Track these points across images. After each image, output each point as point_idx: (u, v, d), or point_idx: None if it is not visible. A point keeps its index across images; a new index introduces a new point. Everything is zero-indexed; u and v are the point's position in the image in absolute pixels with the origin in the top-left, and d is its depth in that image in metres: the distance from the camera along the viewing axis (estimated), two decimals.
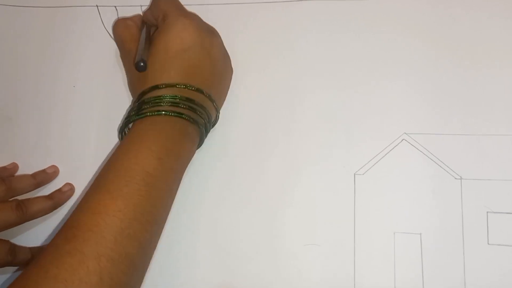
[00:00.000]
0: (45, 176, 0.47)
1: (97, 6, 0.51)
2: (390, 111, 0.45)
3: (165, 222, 0.40)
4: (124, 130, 0.42)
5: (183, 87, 0.40)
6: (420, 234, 0.43)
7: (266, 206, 0.44)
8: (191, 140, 0.41)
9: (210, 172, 0.46)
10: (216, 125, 0.46)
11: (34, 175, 0.47)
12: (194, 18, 0.42)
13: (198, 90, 0.41)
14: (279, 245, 0.43)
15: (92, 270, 0.33)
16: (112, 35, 0.50)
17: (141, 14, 0.49)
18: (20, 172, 0.48)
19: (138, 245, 0.35)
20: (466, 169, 0.43)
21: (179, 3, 0.45)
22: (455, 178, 0.43)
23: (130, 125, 0.41)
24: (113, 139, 0.48)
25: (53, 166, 0.48)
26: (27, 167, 0.48)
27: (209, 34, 0.43)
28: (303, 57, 0.47)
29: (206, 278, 0.43)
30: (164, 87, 0.40)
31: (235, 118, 0.47)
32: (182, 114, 0.40)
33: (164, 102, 0.39)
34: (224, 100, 0.46)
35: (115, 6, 0.51)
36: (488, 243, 0.42)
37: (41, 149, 0.48)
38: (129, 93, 0.48)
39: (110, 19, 0.51)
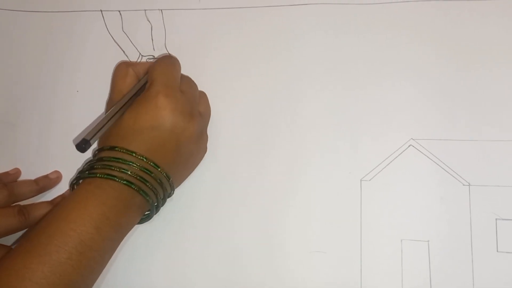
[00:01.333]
0: (48, 181, 0.47)
1: (101, 10, 0.51)
2: (396, 117, 0.45)
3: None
4: (74, 184, 0.41)
5: (140, 158, 0.39)
6: (428, 241, 0.42)
7: (271, 213, 0.44)
8: (136, 211, 0.40)
9: (213, 179, 0.45)
10: (220, 131, 0.46)
11: (36, 181, 0.46)
12: (175, 99, 0.40)
13: (155, 165, 0.39)
14: (284, 252, 0.43)
15: None
16: (116, 40, 0.50)
17: (149, 62, 0.47)
18: (22, 177, 0.48)
19: None
20: (474, 175, 0.43)
21: (173, 75, 0.43)
22: (463, 185, 0.43)
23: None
24: None
25: (56, 172, 0.47)
26: (29, 173, 0.47)
27: (185, 119, 0.41)
28: (308, 61, 0.47)
29: (209, 286, 0.43)
30: (123, 152, 0.39)
31: (238, 124, 0.47)
32: (132, 184, 0.38)
33: (116, 167, 0.38)
34: (183, 180, 0.45)
35: (119, 11, 0.51)
36: (497, 251, 0.41)
37: (43, 154, 0.48)
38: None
39: (114, 23, 0.50)
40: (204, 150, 0.45)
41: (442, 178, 0.43)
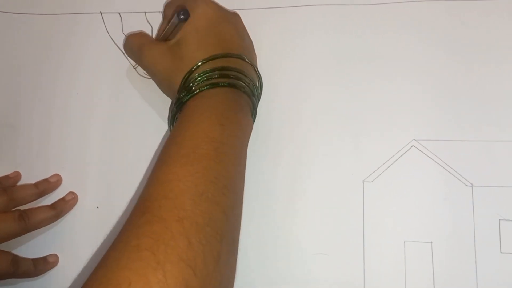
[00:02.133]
0: (48, 185, 0.46)
1: (101, 13, 0.51)
2: (399, 117, 0.45)
3: (243, 194, 0.37)
4: (175, 117, 0.41)
5: (224, 57, 0.40)
6: (431, 242, 0.42)
7: (273, 215, 0.44)
8: (246, 111, 0.40)
9: None
10: None
11: (36, 184, 0.46)
12: (210, 2, 0.43)
13: (239, 57, 0.41)
14: (287, 254, 0.43)
15: (177, 233, 0.29)
16: (116, 42, 0.50)
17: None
18: (22, 181, 0.48)
19: (220, 210, 0.32)
20: (477, 176, 0.43)
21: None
22: (466, 185, 0.42)
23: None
24: (117, 147, 0.47)
25: (56, 175, 0.47)
26: (29, 176, 0.47)
27: (231, 12, 0.45)
28: (310, 62, 0.47)
29: None
30: (206, 62, 0.40)
31: None
32: (234, 84, 0.39)
33: (210, 77, 0.39)
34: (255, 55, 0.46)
35: (119, 13, 0.50)
36: (500, 252, 0.41)
37: (43, 157, 0.48)
38: (133, 101, 0.48)
39: (114, 26, 0.50)
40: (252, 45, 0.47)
41: (445, 179, 0.43)
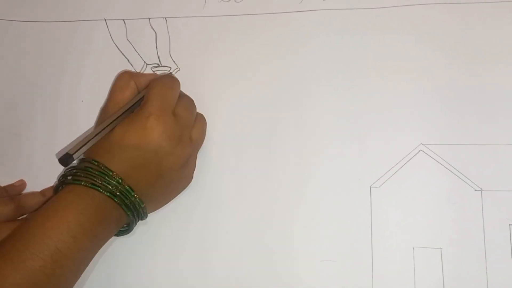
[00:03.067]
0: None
1: (105, 19, 0.51)
2: (405, 122, 0.44)
3: None
4: (58, 187, 0.40)
5: (117, 179, 0.39)
6: (441, 248, 0.41)
7: (279, 222, 0.43)
8: (114, 223, 0.40)
9: (219, 184, 0.45)
10: (225, 137, 0.46)
11: (43, 192, 0.46)
12: (165, 123, 0.40)
13: (130, 189, 0.39)
14: (294, 261, 0.42)
15: None
16: (120, 49, 0.50)
17: (154, 75, 0.47)
18: (28, 189, 0.47)
19: None
20: (486, 180, 0.42)
21: (169, 97, 0.42)
22: (475, 190, 0.42)
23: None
24: None
25: None
26: (34, 184, 0.47)
27: (173, 143, 0.40)
28: (315, 66, 0.47)
29: None
30: (102, 168, 0.39)
31: (243, 130, 0.46)
32: (115, 196, 0.38)
33: (99, 179, 0.38)
34: (160, 207, 0.44)
35: (123, 20, 0.50)
36: (511, 257, 0.40)
37: (49, 165, 0.48)
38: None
39: (118, 32, 0.50)
40: (188, 178, 0.44)
41: (454, 184, 0.42)
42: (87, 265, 0.39)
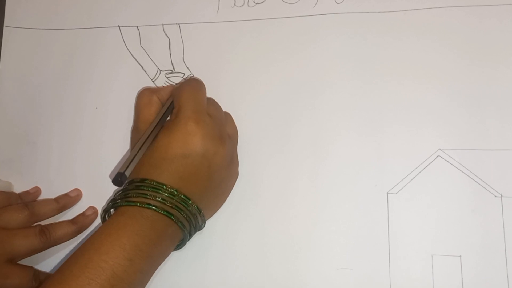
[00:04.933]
0: (68, 200, 0.46)
1: (119, 26, 0.51)
2: (423, 126, 0.43)
3: None
4: (107, 212, 0.40)
5: (171, 191, 0.38)
6: (460, 256, 0.40)
7: (295, 229, 0.43)
8: (170, 241, 0.39)
9: (236, 193, 0.45)
10: (241, 144, 0.45)
11: (57, 199, 0.46)
12: (204, 125, 0.40)
13: (186, 198, 0.39)
14: (310, 269, 0.42)
15: None
16: (134, 55, 0.50)
17: (173, 86, 0.47)
18: (42, 196, 0.48)
19: None
20: (507, 186, 0.41)
21: (200, 100, 0.42)
22: (495, 196, 0.41)
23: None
24: None
25: (76, 190, 0.47)
26: (49, 191, 0.47)
27: (216, 143, 0.40)
28: (330, 71, 0.46)
29: None
30: (153, 184, 0.38)
31: (260, 137, 0.46)
32: (171, 214, 0.38)
33: (152, 196, 0.37)
34: (217, 210, 0.44)
35: (137, 26, 0.50)
36: None
37: (64, 172, 0.48)
38: None
39: (132, 39, 0.50)
40: (235, 175, 0.44)
41: (473, 190, 0.41)
42: (144, 287, 0.38)
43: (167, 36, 0.50)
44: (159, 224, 0.37)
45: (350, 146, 0.44)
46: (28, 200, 0.46)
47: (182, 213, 0.38)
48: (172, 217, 0.38)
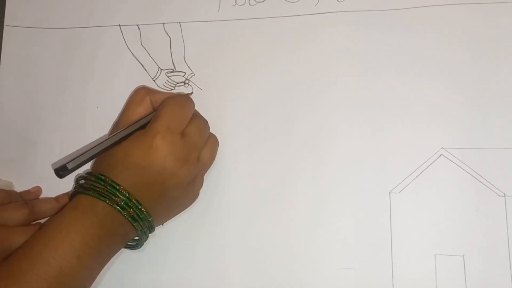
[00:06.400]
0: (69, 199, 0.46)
1: (119, 25, 0.51)
2: (426, 125, 0.43)
3: None
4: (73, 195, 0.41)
5: (124, 192, 0.38)
6: (463, 256, 0.40)
7: (297, 229, 0.43)
8: (119, 240, 0.40)
9: (235, 192, 0.45)
10: (241, 143, 0.45)
11: (57, 198, 0.46)
12: (171, 144, 0.40)
13: (137, 203, 0.39)
14: (312, 269, 0.42)
15: None
16: (134, 54, 0.50)
17: (170, 93, 0.46)
18: (43, 195, 0.48)
19: None
20: (510, 185, 0.41)
21: (179, 117, 0.41)
22: (499, 195, 0.41)
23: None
24: None
25: None
26: (50, 191, 0.47)
27: (177, 164, 0.40)
28: (331, 69, 0.46)
29: None
30: (110, 181, 0.39)
31: (260, 136, 0.46)
32: (122, 209, 0.38)
33: (106, 191, 0.38)
34: (167, 220, 0.44)
35: (138, 25, 0.50)
36: None
37: None
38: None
39: (132, 38, 0.50)
40: (193, 196, 0.44)
41: (476, 189, 0.41)
42: (92, 282, 0.39)
43: (168, 35, 0.50)
44: (110, 222, 0.38)
45: (352, 145, 0.44)
46: (28, 199, 0.46)
47: (133, 213, 0.39)
48: (123, 212, 0.38)
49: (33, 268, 0.35)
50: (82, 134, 0.49)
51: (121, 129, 0.41)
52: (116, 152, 0.40)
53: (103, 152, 0.40)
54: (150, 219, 0.40)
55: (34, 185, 0.48)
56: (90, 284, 0.39)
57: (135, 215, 0.39)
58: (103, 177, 0.39)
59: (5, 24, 0.52)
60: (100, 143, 0.40)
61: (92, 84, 0.50)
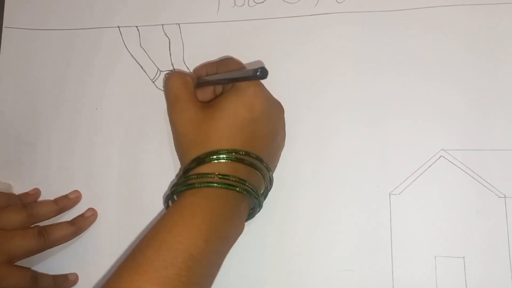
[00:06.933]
0: (68, 201, 0.46)
1: (118, 27, 0.50)
2: (426, 126, 0.43)
3: None
4: (170, 198, 0.39)
5: (244, 154, 0.38)
6: (463, 257, 0.40)
7: (297, 230, 0.43)
8: (242, 218, 0.38)
9: None
10: None
11: (56, 201, 0.46)
12: (265, 89, 0.41)
13: (258, 159, 0.38)
14: (312, 271, 0.42)
15: None
16: (134, 56, 0.49)
17: (198, 69, 0.46)
18: (42, 197, 0.47)
19: None
20: (510, 186, 0.41)
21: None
22: (499, 197, 0.41)
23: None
24: (136, 163, 0.47)
25: (76, 191, 0.47)
26: (49, 193, 0.47)
27: (277, 106, 0.42)
28: (331, 70, 0.46)
29: None
30: (225, 153, 0.37)
31: None
32: (235, 187, 0.37)
33: (214, 175, 0.36)
34: (275, 167, 0.44)
35: (137, 26, 0.50)
36: None
37: (63, 174, 0.48)
38: (152, 116, 0.47)
39: (131, 39, 0.50)
40: (284, 135, 0.44)
41: (476, 191, 0.41)
42: (219, 269, 0.37)
43: (167, 36, 0.50)
44: (231, 201, 0.37)
45: (352, 146, 0.44)
46: (27, 202, 0.46)
47: (247, 184, 0.37)
48: (237, 189, 0.37)
49: (159, 255, 0.32)
50: (81, 136, 0.48)
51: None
52: (224, 116, 0.38)
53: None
54: (271, 172, 0.40)
55: (33, 187, 0.48)
56: (217, 272, 0.37)
57: (251, 181, 0.38)
58: (221, 151, 0.37)
59: (3, 25, 0.52)
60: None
61: (91, 86, 0.50)
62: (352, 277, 0.41)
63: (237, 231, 0.38)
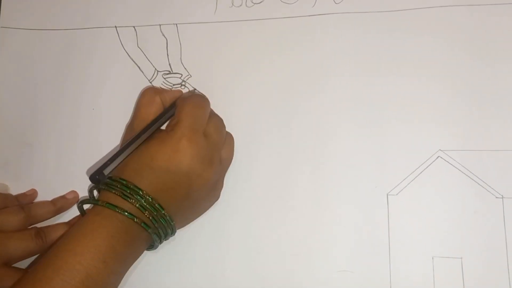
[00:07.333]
0: (65, 202, 0.46)
1: (115, 27, 0.50)
2: (423, 127, 0.43)
3: None
4: (81, 207, 0.40)
5: (147, 198, 0.38)
6: (461, 258, 0.40)
7: (295, 231, 0.43)
8: (142, 244, 0.39)
9: (234, 194, 0.44)
10: (239, 145, 0.45)
11: (53, 202, 0.46)
12: (196, 145, 0.39)
13: (160, 207, 0.38)
14: (310, 272, 0.41)
15: None
16: (131, 56, 0.49)
17: (179, 92, 0.46)
18: (39, 198, 0.47)
19: None
20: (508, 186, 0.41)
21: (200, 118, 0.41)
22: (496, 197, 0.41)
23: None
24: None
25: (73, 192, 0.47)
26: (46, 194, 0.47)
27: (203, 166, 0.40)
28: (328, 71, 0.46)
29: None
30: (132, 187, 0.38)
31: (258, 139, 0.45)
32: (146, 225, 0.38)
33: (130, 199, 0.37)
34: (188, 223, 0.43)
35: (134, 27, 0.50)
36: None
37: (60, 174, 0.48)
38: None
39: (129, 39, 0.50)
40: (215, 197, 0.44)
41: (474, 191, 0.41)
42: (116, 287, 0.38)
43: (165, 37, 0.50)
44: (133, 228, 0.37)
45: (350, 147, 0.44)
46: (24, 202, 0.46)
47: (155, 222, 0.38)
48: (145, 226, 0.38)
49: (58, 274, 0.34)
50: (78, 136, 0.48)
51: (141, 132, 0.40)
52: (142, 157, 0.39)
53: (127, 155, 0.39)
54: (172, 223, 0.40)
55: (30, 187, 0.47)
56: None
57: (156, 224, 0.38)
58: (124, 181, 0.38)
59: (0, 25, 0.52)
60: (125, 147, 0.39)
61: (88, 86, 0.49)
62: (349, 277, 0.41)
63: (136, 254, 0.39)
